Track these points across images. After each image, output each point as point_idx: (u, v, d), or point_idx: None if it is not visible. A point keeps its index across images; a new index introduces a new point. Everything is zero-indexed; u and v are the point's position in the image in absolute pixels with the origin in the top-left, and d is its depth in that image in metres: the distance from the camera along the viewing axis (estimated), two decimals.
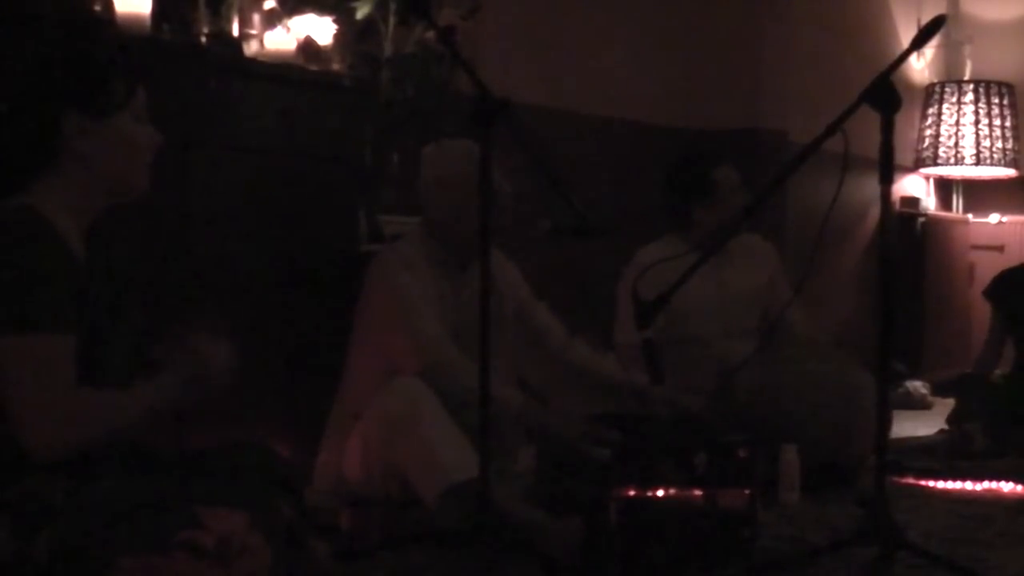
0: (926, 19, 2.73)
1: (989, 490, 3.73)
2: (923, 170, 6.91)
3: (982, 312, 5.27)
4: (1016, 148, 6.76)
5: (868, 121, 2.55)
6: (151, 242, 2.97)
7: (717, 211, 3.86)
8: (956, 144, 6.73)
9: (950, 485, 3.79)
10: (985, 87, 6.74)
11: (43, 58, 1.96)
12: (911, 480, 3.84)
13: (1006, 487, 3.74)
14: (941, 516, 3.33)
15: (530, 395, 3.11)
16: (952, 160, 6.75)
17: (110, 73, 1.98)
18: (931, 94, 6.86)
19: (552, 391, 3.37)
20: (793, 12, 5.72)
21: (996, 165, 6.73)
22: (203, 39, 3.18)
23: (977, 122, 6.71)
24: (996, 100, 6.73)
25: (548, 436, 2.95)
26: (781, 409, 3.51)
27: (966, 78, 6.90)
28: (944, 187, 7.16)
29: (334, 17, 3.55)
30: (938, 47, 6.98)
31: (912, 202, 6.80)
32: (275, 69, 3.32)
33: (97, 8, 2.97)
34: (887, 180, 2.56)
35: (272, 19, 3.42)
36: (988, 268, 6.35)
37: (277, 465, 2.02)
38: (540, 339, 3.38)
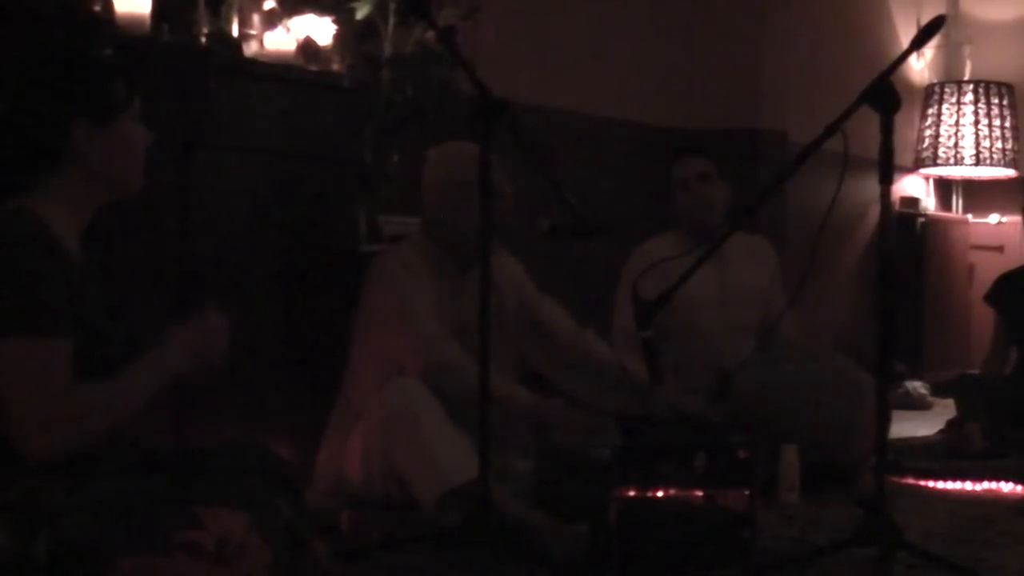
0: (926, 19, 2.73)
1: (989, 490, 3.73)
2: (923, 170, 6.91)
3: (982, 312, 5.26)
4: (1016, 148, 6.76)
5: (868, 121, 2.55)
6: (150, 242, 2.97)
7: (690, 202, 3.90)
8: (956, 144, 6.73)
9: (950, 485, 3.79)
10: (985, 87, 6.74)
11: (45, 61, 1.96)
12: (911, 480, 3.84)
13: (1006, 487, 3.74)
14: (941, 516, 3.32)
15: (537, 389, 3.12)
16: (952, 160, 6.75)
17: (113, 76, 1.98)
18: (931, 94, 6.86)
19: (561, 384, 3.37)
20: (793, 12, 5.72)
21: (996, 165, 6.73)
22: (203, 39, 3.18)
23: (977, 122, 6.71)
24: (996, 100, 6.73)
25: (554, 430, 2.96)
26: (781, 409, 3.51)
27: (966, 78, 6.90)
28: (944, 187, 7.16)
29: (334, 17, 3.55)
30: (938, 47, 6.98)
31: (912, 202, 6.80)
32: (275, 69, 3.31)
33: (97, 8, 2.97)
34: (887, 180, 2.56)
35: (272, 19, 3.42)
36: (988, 268, 6.36)
37: (277, 465, 2.02)
38: (548, 333, 3.38)
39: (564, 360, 3.38)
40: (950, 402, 4.73)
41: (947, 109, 6.77)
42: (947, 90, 6.81)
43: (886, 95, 2.55)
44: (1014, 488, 3.73)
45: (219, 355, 2.06)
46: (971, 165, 6.74)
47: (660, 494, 2.68)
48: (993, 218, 6.96)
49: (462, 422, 2.87)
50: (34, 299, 1.82)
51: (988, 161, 6.71)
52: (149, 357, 1.97)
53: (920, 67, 6.95)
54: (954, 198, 7.18)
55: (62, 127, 1.93)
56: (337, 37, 3.54)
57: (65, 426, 1.83)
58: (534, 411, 2.97)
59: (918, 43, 2.64)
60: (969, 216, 7.06)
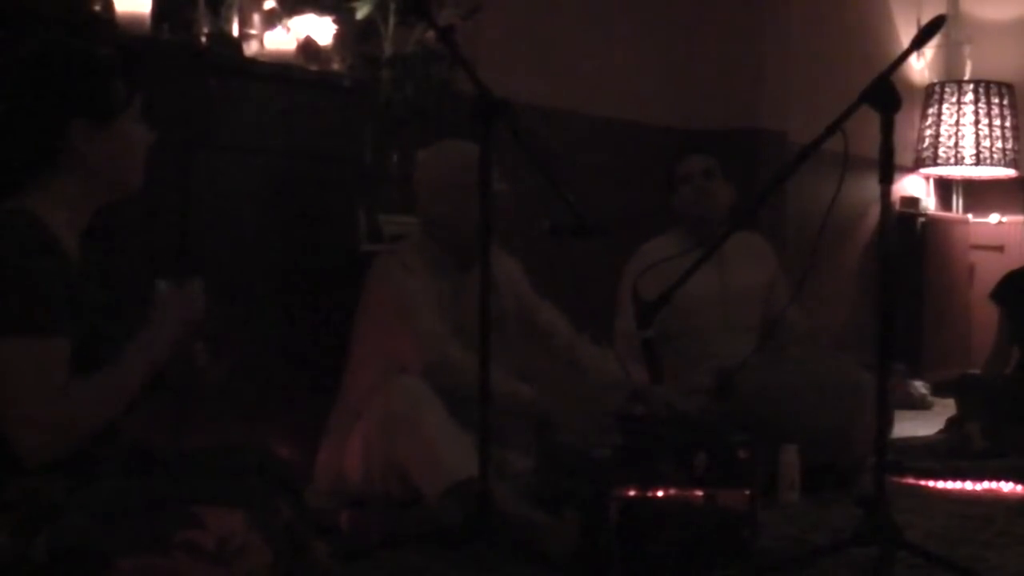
0: (926, 19, 2.73)
1: (989, 490, 3.73)
2: (923, 170, 6.91)
3: (982, 312, 5.26)
4: (1016, 148, 6.76)
5: (868, 121, 2.55)
6: (150, 242, 2.97)
7: (692, 197, 3.89)
8: (956, 144, 6.73)
9: (950, 485, 3.79)
10: (985, 87, 6.74)
11: (45, 61, 1.96)
12: (911, 480, 3.84)
13: (1006, 487, 3.75)
14: (941, 516, 3.33)
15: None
16: (952, 160, 6.74)
17: (113, 76, 1.98)
18: (931, 94, 6.86)
19: (555, 388, 3.38)
20: (793, 12, 5.72)
21: (996, 165, 6.73)
22: (203, 39, 3.18)
23: (977, 122, 6.71)
24: (996, 100, 6.73)
25: (556, 428, 2.97)
26: (781, 409, 3.51)
27: (966, 78, 6.90)
28: (944, 187, 7.16)
29: (334, 17, 3.55)
30: (938, 47, 6.98)
31: (912, 202, 6.80)
32: (275, 69, 3.32)
33: (97, 8, 2.97)
34: (887, 180, 2.56)
35: (272, 19, 3.43)
36: (988, 268, 6.36)
37: (277, 465, 2.02)
38: (544, 336, 3.39)
39: (559, 363, 3.39)
40: (950, 402, 4.73)
41: (947, 109, 6.77)
42: (947, 90, 6.80)
43: (886, 95, 2.55)
44: (1014, 488, 3.73)
45: (198, 315, 2.04)
46: (971, 165, 6.74)
47: (660, 494, 2.68)
48: (993, 218, 6.96)
49: (463, 420, 2.88)
50: (33, 299, 1.82)
51: (988, 161, 6.71)
52: (134, 341, 1.96)
53: (920, 67, 6.95)
54: (954, 198, 7.18)
55: (61, 127, 1.93)
56: (337, 37, 3.54)
57: (62, 426, 1.83)
58: (535, 409, 2.98)
59: (918, 43, 2.64)
60: (969, 216, 7.05)
